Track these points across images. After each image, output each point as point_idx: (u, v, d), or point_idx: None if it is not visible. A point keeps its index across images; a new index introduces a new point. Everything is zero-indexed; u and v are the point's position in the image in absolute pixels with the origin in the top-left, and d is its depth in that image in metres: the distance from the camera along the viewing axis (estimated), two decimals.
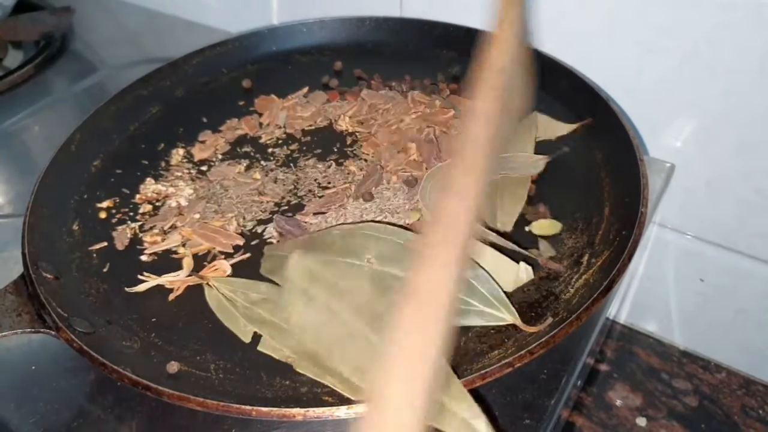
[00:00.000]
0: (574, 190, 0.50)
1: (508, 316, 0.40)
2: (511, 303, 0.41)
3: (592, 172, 0.52)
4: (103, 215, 0.54)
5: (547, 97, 0.57)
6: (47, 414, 0.42)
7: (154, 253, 0.50)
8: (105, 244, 0.51)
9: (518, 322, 0.40)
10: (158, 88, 0.67)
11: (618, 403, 0.57)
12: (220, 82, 0.69)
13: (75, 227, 0.53)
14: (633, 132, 0.50)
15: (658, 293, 0.63)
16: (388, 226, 0.45)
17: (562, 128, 0.55)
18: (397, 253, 0.43)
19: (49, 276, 0.47)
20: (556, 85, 0.57)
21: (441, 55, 0.67)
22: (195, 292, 0.46)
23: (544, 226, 0.48)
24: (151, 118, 0.65)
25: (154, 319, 0.45)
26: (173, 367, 0.40)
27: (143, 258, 0.49)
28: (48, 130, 0.73)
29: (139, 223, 0.53)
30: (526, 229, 0.48)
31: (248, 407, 0.36)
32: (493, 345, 0.40)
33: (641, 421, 0.55)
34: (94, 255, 0.50)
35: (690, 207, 0.58)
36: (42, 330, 0.42)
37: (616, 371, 0.60)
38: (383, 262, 0.43)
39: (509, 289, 0.43)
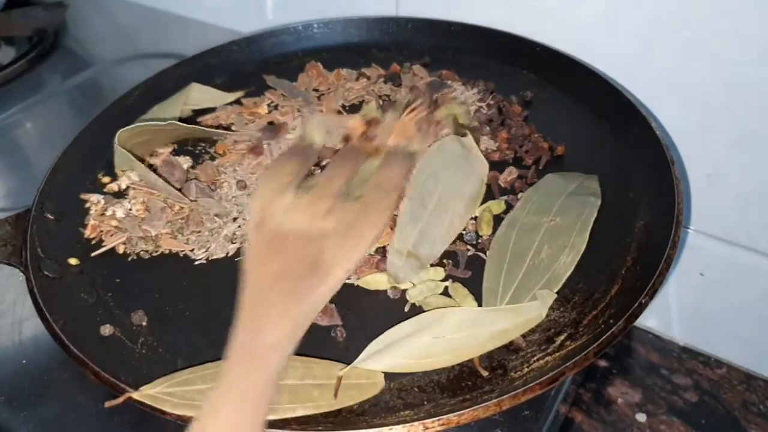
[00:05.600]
0: (593, 253, 0.45)
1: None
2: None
3: (624, 240, 0.46)
4: None
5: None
6: (38, 407, 0.42)
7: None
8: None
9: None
10: (229, 60, 0.68)
11: (617, 399, 0.56)
12: (291, 64, 0.68)
13: (99, 176, 0.55)
14: (682, 205, 0.44)
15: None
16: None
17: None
18: None
19: (50, 216, 0.50)
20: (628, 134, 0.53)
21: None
22: (166, 263, 0.47)
23: None
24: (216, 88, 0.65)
25: (118, 280, 0.46)
26: (107, 330, 0.42)
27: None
28: (40, 126, 0.73)
29: None
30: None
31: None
32: (409, 404, 0.37)
33: (641, 417, 0.55)
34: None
35: (690, 199, 0.57)
36: (14, 264, 0.46)
37: (616, 367, 0.59)
38: None
39: None
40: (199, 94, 0.63)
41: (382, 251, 0.46)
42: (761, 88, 0.49)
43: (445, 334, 0.40)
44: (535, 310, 0.41)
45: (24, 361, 0.45)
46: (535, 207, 0.48)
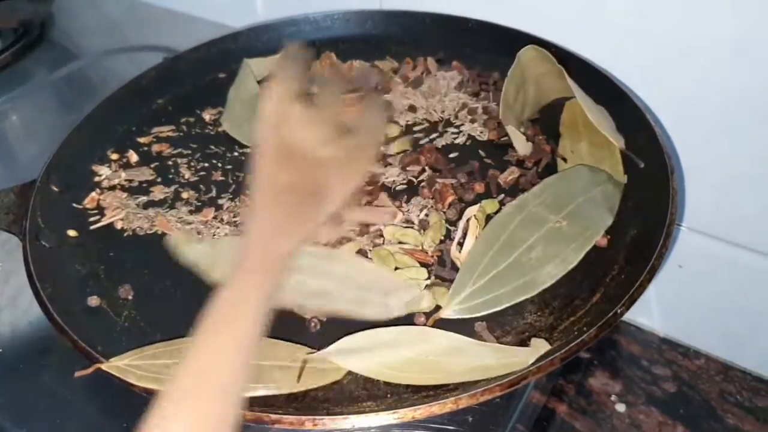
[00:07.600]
0: (581, 260, 0.44)
1: None
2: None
3: (612, 247, 0.45)
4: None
5: None
6: (15, 396, 0.42)
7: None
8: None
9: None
10: (247, 45, 0.68)
11: (598, 389, 0.57)
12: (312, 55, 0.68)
13: (108, 152, 0.57)
14: (675, 216, 0.43)
15: None
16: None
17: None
18: None
19: (55, 188, 0.51)
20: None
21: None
22: (159, 242, 0.48)
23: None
24: (232, 74, 0.65)
25: (111, 254, 0.47)
26: (94, 301, 0.43)
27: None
28: (26, 118, 0.73)
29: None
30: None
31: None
32: (373, 395, 0.37)
33: (620, 407, 0.55)
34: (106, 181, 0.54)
35: None
36: (13, 232, 0.47)
37: (597, 358, 0.60)
38: None
39: None
40: (257, 67, 0.64)
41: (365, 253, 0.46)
42: (736, 82, 0.50)
43: (429, 354, 0.39)
44: (523, 356, 0.39)
45: (1, 351, 0.45)
46: (551, 198, 0.47)
